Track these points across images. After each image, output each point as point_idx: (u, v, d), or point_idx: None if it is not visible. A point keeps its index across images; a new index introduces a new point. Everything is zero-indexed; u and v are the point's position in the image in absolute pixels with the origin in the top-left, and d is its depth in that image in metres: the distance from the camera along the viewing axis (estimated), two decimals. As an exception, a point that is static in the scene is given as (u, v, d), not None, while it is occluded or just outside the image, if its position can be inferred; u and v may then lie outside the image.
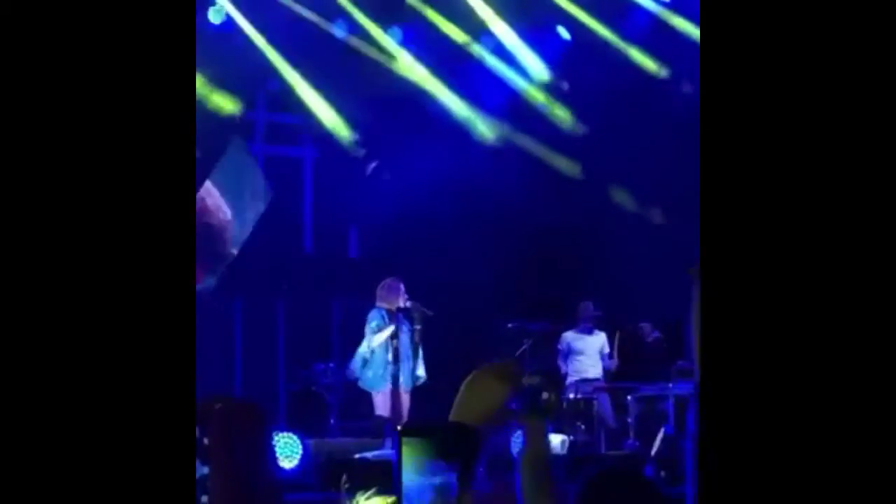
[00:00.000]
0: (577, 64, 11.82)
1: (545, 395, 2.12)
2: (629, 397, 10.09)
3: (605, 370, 10.59)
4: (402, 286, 9.47)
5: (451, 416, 2.07)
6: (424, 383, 9.45)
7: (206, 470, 1.68)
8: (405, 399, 9.35)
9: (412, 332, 9.41)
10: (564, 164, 12.12)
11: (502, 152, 11.98)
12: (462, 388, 2.10)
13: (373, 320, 9.42)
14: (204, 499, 1.66)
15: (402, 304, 9.41)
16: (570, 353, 10.59)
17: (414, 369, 9.41)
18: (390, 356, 9.32)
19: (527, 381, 2.11)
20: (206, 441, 1.68)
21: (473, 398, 2.08)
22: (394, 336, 9.35)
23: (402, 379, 9.32)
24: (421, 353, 9.46)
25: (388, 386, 9.27)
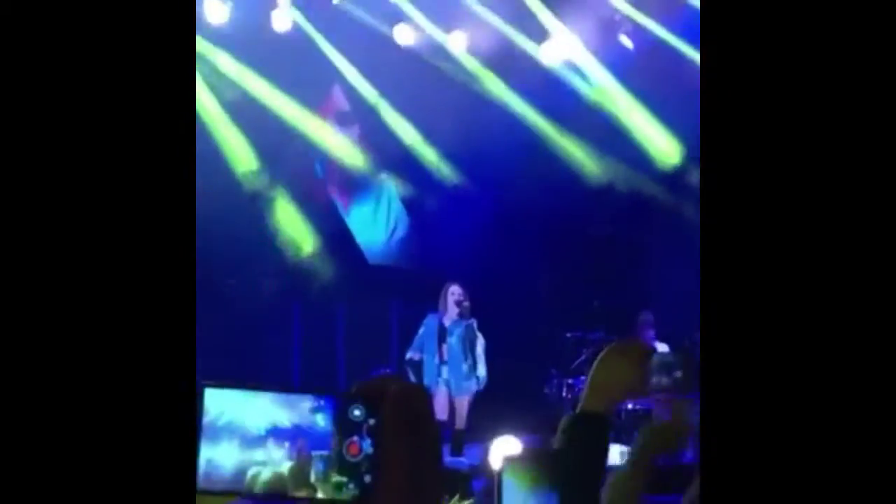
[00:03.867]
0: (641, 72, 11.75)
1: (678, 373, 2.14)
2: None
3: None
4: (451, 288, 9.46)
5: (584, 396, 2.09)
6: (482, 390, 9.43)
7: (369, 449, 1.68)
8: (460, 404, 9.32)
9: (464, 332, 9.39)
10: (630, 175, 12.06)
11: (567, 164, 11.97)
12: (594, 367, 2.10)
13: (421, 327, 9.50)
14: (367, 479, 1.67)
15: (449, 307, 9.42)
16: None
17: (472, 369, 9.35)
18: (437, 360, 9.34)
19: (658, 357, 2.13)
20: (371, 422, 1.69)
21: (607, 376, 2.10)
22: (442, 340, 9.36)
23: (453, 383, 9.31)
24: (479, 350, 9.38)
25: (443, 390, 9.28)
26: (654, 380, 2.10)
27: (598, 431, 2.05)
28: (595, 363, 2.10)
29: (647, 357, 2.11)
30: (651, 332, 10.56)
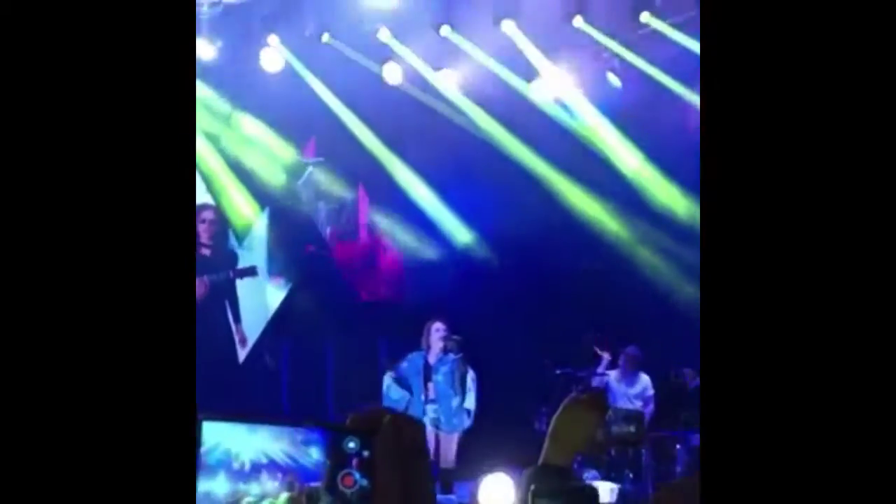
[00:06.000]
0: (627, 110, 11.82)
1: (632, 428, 2.22)
2: (678, 446, 9.94)
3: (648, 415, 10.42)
4: (434, 326, 9.40)
5: (546, 448, 2.15)
6: (472, 426, 9.37)
7: (363, 481, 1.68)
8: (448, 441, 9.24)
9: (453, 367, 9.32)
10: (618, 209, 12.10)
11: (554, 194, 12.01)
12: (554, 419, 2.18)
13: (404, 361, 9.43)
14: None
15: (435, 344, 9.35)
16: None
17: (461, 404, 9.27)
18: (422, 398, 9.26)
19: (614, 413, 2.21)
20: (365, 454, 1.69)
21: (565, 429, 2.16)
22: (427, 378, 9.28)
23: (443, 420, 9.24)
24: (470, 384, 9.28)
25: (431, 429, 9.20)
26: (612, 432, 2.19)
27: (559, 482, 2.11)
28: (555, 416, 2.19)
29: (605, 410, 2.19)
30: (631, 366, 10.58)
